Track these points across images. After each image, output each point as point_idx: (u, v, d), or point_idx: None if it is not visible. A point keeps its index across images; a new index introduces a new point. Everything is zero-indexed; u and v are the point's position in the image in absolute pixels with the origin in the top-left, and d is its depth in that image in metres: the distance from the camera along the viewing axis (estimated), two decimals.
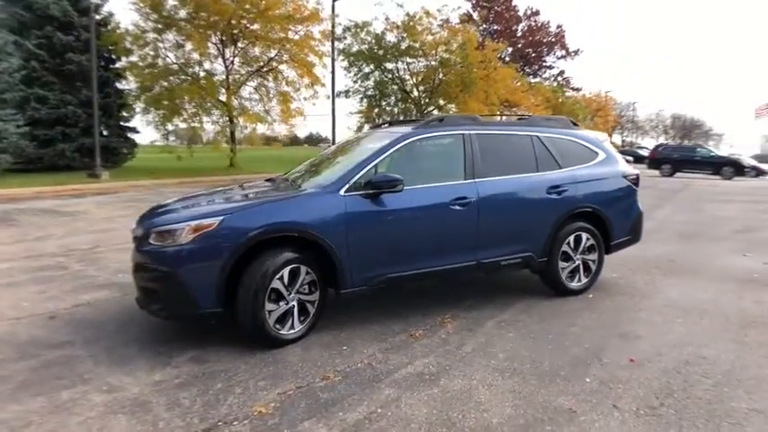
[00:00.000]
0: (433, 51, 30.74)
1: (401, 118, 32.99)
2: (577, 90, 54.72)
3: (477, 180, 4.18)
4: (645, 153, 51.93)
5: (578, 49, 50.16)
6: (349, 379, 3.11)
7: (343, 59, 29.89)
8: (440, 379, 3.10)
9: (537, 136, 4.66)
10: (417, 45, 30.37)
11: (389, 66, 31.86)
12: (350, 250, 3.63)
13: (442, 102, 32.78)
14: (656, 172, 24.54)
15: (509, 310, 4.35)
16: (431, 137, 4.19)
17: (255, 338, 3.48)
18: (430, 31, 29.67)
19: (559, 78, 54.70)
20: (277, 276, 3.42)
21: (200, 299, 3.33)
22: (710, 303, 4.50)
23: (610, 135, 58.06)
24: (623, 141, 71.25)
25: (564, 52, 51.26)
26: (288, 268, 3.47)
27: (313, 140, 79.70)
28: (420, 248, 3.97)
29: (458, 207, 4.03)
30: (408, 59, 31.57)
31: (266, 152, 30.83)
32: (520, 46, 48.94)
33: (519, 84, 36.66)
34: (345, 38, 29.70)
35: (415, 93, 32.53)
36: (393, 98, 33.17)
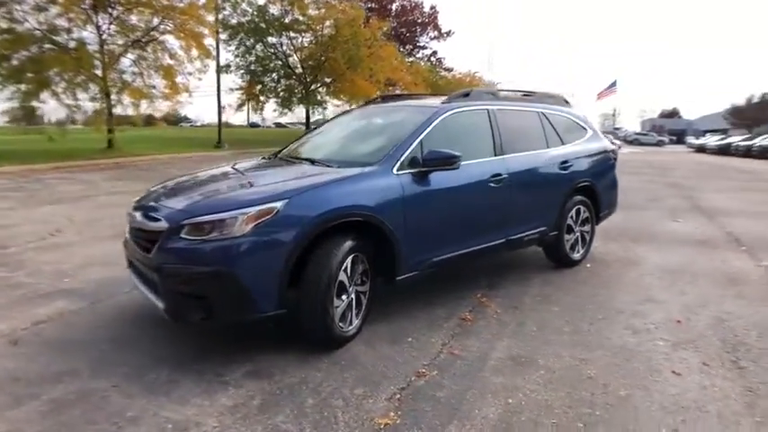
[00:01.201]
0: (320, 26, 29.95)
1: (286, 95, 31.76)
2: (449, 70, 57.44)
3: (505, 156, 4.11)
4: None
5: (450, 31, 52.43)
6: (447, 372, 2.86)
7: (222, 31, 27.78)
8: (536, 361, 3.00)
9: (543, 112, 4.71)
10: (303, 19, 29.31)
11: (273, 40, 30.37)
12: (406, 233, 3.32)
13: (327, 79, 32.23)
14: None
15: (531, 285, 4.39)
16: (462, 111, 3.98)
17: (319, 339, 3.04)
18: (316, 4, 28.76)
19: (432, 59, 56.92)
20: (342, 267, 3.01)
21: (261, 301, 2.79)
22: (691, 266, 5.02)
23: None
24: None
25: (437, 33, 53.20)
26: (350, 257, 3.07)
27: (172, 120, 72.47)
28: (463, 228, 3.80)
29: (493, 184, 3.92)
30: (292, 34, 30.38)
31: (147, 132, 27.63)
32: (394, 25, 49.79)
33: (397, 61, 37.27)
34: (224, 8, 27.57)
35: (300, 69, 31.50)
36: (276, 74, 31.78)
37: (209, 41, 17.66)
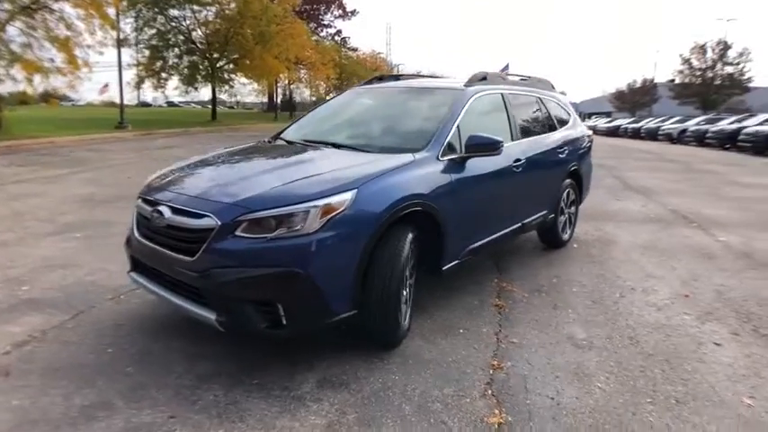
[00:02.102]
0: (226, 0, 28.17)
1: (190, 73, 29.64)
2: (354, 50, 57.00)
3: (520, 141, 4.11)
4: None
5: (355, 10, 52.04)
6: (520, 362, 2.81)
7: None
8: (593, 342, 3.06)
9: (540, 97, 4.78)
10: None
11: (175, 13, 28.01)
12: (452, 221, 3.19)
13: (235, 56, 30.57)
14: None
15: (535, 267, 4.48)
16: (485, 95, 3.89)
17: (387, 337, 2.85)
18: None
19: (337, 38, 56.20)
20: (407, 261, 2.82)
21: (335, 302, 2.52)
22: (662, 243, 5.44)
23: None
24: None
25: (341, 12, 52.44)
26: (410, 249, 2.88)
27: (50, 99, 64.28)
28: (493, 214, 3.76)
29: (515, 169, 3.91)
30: (196, 7, 28.26)
31: (37, 112, 24.15)
32: (298, 2, 48.28)
33: (305, 39, 36.32)
34: None
35: (205, 45, 29.48)
36: (179, 50, 29.47)
37: (110, 11, 15.68)
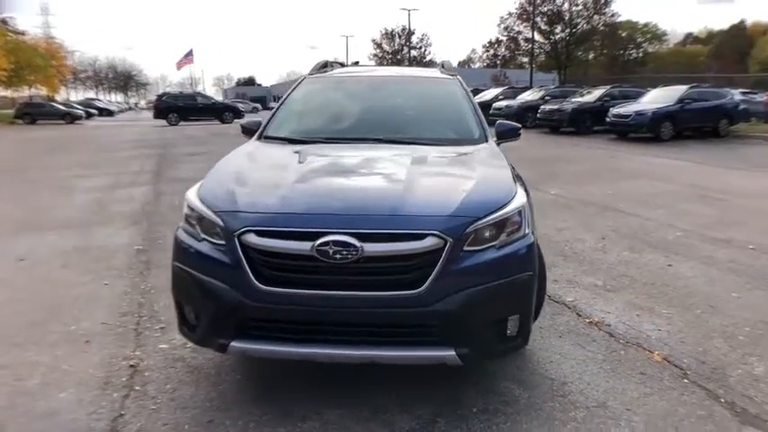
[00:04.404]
0: None
1: None
2: (21, 34, 45.99)
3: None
4: (102, 105, 48.07)
5: None
6: (601, 314, 3.33)
7: None
8: (613, 285, 3.82)
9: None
10: None
11: None
12: None
13: None
14: (164, 121, 25.66)
15: None
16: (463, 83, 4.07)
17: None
18: None
19: None
20: None
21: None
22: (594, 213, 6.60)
23: (56, 90, 50.46)
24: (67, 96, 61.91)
25: None
26: None
27: None
28: None
29: None
30: None
31: None
32: None
33: None
34: None
35: None
36: None
37: None
